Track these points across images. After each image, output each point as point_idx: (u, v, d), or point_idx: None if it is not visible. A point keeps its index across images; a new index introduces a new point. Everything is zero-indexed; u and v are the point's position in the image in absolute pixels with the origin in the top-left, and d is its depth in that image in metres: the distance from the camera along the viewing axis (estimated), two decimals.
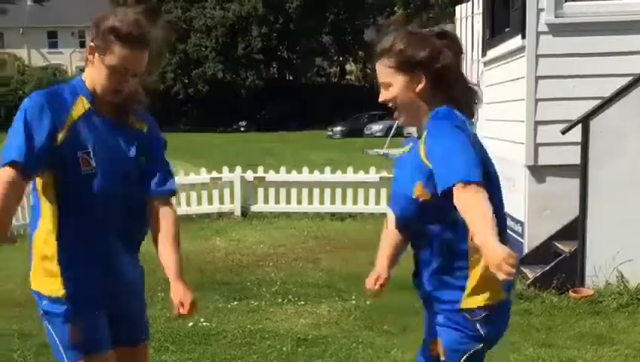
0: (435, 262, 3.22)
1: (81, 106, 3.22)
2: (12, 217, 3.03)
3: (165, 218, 3.35)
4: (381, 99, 3.25)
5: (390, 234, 3.42)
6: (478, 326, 3.19)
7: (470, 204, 2.77)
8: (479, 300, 3.17)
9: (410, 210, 3.18)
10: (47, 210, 3.23)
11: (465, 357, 3.24)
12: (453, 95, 3.17)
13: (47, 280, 3.26)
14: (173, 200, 3.47)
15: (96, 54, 3.21)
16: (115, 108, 3.29)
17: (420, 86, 3.14)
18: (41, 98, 3.17)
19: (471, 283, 3.16)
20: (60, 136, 3.13)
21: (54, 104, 3.16)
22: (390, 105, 3.24)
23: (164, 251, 3.32)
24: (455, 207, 2.83)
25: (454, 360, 3.27)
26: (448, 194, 2.84)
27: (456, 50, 3.20)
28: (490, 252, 2.58)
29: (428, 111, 3.16)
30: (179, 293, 3.26)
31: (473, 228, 2.72)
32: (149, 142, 3.39)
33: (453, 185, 2.81)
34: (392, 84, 3.18)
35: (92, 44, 3.22)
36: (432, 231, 3.17)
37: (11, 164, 3.04)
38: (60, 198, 3.20)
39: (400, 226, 3.35)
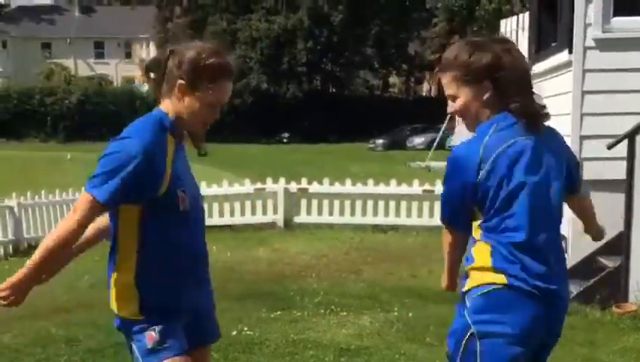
0: None
1: (171, 145, 3.23)
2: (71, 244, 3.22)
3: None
4: (450, 110, 3.33)
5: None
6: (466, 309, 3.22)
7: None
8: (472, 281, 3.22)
9: None
10: (130, 239, 3.25)
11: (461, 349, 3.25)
12: (516, 101, 3.19)
13: (126, 305, 3.30)
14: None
15: (189, 92, 3.20)
16: (190, 138, 3.35)
17: (487, 95, 3.21)
18: (151, 145, 3.13)
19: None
20: (165, 184, 3.17)
21: (159, 149, 3.15)
22: (457, 116, 3.32)
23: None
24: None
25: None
26: None
27: (516, 54, 3.26)
28: None
29: (486, 119, 3.23)
30: None
31: None
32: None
33: None
34: (458, 95, 3.25)
35: (182, 81, 3.18)
36: None
37: (93, 198, 3.09)
38: (149, 233, 3.23)
39: None
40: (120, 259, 3.28)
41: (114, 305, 3.33)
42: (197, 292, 3.41)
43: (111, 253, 3.32)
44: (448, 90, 3.28)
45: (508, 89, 3.19)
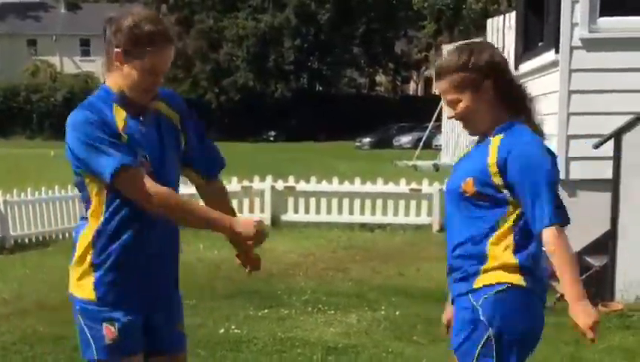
0: None
1: (119, 114, 3.20)
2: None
3: (223, 194, 3.60)
4: (450, 115, 3.35)
5: None
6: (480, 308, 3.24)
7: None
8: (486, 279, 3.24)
9: None
10: (97, 211, 3.25)
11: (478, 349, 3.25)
12: (517, 101, 3.30)
13: (85, 282, 3.29)
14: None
15: (129, 58, 3.17)
16: (144, 106, 3.28)
17: (487, 95, 3.25)
18: (85, 114, 3.16)
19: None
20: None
21: (101, 117, 3.16)
22: (458, 120, 3.34)
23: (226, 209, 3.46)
24: None
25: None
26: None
27: (503, 55, 3.36)
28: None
29: (495, 118, 3.28)
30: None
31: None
32: (186, 130, 3.41)
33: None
34: (461, 99, 3.26)
35: (119, 49, 3.16)
36: None
37: (126, 168, 3.11)
38: (112, 202, 3.21)
39: None
40: (86, 232, 3.28)
41: (71, 276, 3.35)
42: (159, 284, 3.35)
43: (82, 224, 3.33)
44: (449, 96, 3.29)
45: (506, 89, 3.27)
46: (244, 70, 60.33)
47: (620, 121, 7.82)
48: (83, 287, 3.29)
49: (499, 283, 3.20)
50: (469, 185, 3.23)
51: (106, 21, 3.23)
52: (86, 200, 3.29)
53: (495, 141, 3.24)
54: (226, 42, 60.45)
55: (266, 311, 8.10)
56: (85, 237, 3.28)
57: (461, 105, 3.27)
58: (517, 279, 3.20)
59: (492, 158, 3.20)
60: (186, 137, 3.41)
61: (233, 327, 7.32)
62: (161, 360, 3.45)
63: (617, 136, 7.78)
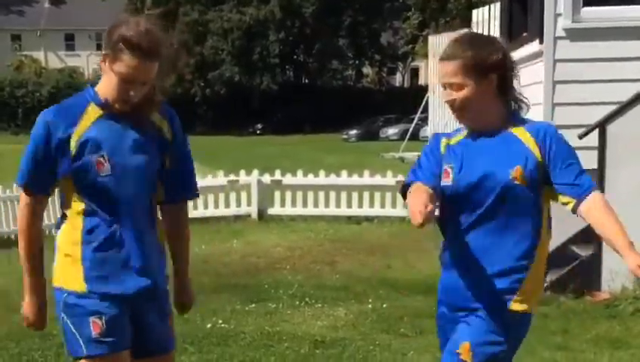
0: None
1: (92, 114, 3.29)
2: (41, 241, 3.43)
3: (182, 221, 3.61)
4: (449, 98, 3.32)
5: None
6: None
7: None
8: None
9: None
10: (70, 211, 3.33)
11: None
12: (514, 96, 3.38)
13: (70, 276, 3.31)
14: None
15: (107, 62, 3.26)
16: (130, 111, 3.33)
17: (492, 87, 3.28)
18: (47, 116, 3.30)
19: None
20: (73, 146, 3.24)
21: (61, 119, 3.27)
22: (455, 105, 3.32)
23: (180, 249, 3.61)
24: None
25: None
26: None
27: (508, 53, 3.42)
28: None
29: (494, 110, 3.32)
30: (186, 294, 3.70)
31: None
32: (172, 143, 3.47)
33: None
34: (465, 85, 3.26)
35: (104, 52, 3.28)
36: None
37: (24, 187, 3.34)
38: (83, 200, 3.30)
39: None
40: (67, 229, 3.35)
41: (55, 275, 3.38)
42: (139, 280, 3.35)
43: (60, 222, 3.40)
44: (453, 79, 3.28)
45: (507, 85, 3.33)
46: (229, 63, 60.20)
47: (605, 111, 7.83)
48: (72, 279, 3.30)
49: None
50: (518, 173, 3.26)
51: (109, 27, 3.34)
52: (61, 195, 3.38)
53: (520, 131, 3.31)
54: (211, 35, 60.29)
55: (253, 305, 8.10)
56: (68, 231, 3.34)
57: (464, 91, 3.27)
58: None
59: (532, 145, 3.29)
60: (170, 160, 3.47)
61: (220, 322, 7.31)
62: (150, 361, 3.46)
63: (602, 126, 7.79)
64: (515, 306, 3.26)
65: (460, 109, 3.32)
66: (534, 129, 3.31)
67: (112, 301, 3.28)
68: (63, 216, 3.37)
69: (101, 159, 3.24)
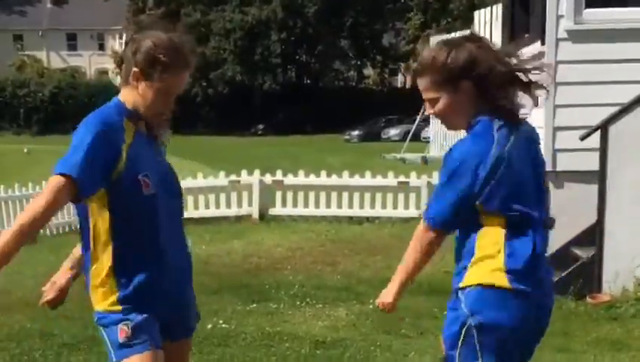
0: None
1: (129, 130, 3.26)
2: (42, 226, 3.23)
3: None
4: (429, 112, 3.34)
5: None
6: (463, 303, 3.23)
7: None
8: (472, 279, 3.23)
9: None
10: (100, 232, 3.27)
11: (460, 343, 3.23)
12: (498, 99, 3.22)
13: (104, 298, 3.30)
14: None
15: (142, 80, 3.25)
16: (147, 125, 3.36)
17: (465, 94, 3.22)
18: (102, 125, 3.19)
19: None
20: (121, 165, 3.19)
21: (113, 131, 3.21)
22: (437, 118, 3.34)
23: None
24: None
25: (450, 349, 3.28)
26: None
27: (487, 46, 3.28)
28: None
29: (474, 115, 3.24)
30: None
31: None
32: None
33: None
34: (439, 98, 3.25)
35: (137, 69, 3.23)
36: None
37: (65, 175, 3.10)
38: (119, 221, 3.25)
39: None
40: (96, 250, 3.28)
41: (93, 299, 3.33)
42: (175, 282, 3.40)
43: (85, 246, 3.32)
44: (427, 94, 3.28)
45: (488, 86, 3.20)
46: (231, 63, 60.22)
47: (607, 112, 7.83)
48: (107, 301, 3.30)
49: None
50: None
51: (128, 39, 3.32)
52: (86, 227, 3.31)
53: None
54: (214, 36, 60.29)
55: (254, 305, 8.09)
56: (99, 267, 3.30)
57: (439, 105, 3.27)
58: None
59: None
60: None
61: (221, 322, 7.30)
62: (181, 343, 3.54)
63: (604, 127, 7.79)
64: None
65: (442, 121, 3.35)
66: None
67: (143, 308, 3.32)
68: (88, 239, 3.30)
69: (146, 178, 3.23)
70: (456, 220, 3.25)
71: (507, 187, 3.15)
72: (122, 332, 3.26)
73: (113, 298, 3.27)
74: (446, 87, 3.22)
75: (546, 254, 3.33)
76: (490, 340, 3.18)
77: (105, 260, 3.26)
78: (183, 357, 3.57)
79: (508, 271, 3.18)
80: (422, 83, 3.28)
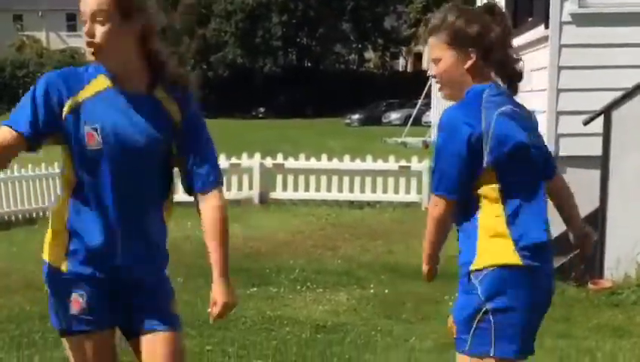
0: None
1: (99, 84, 3.16)
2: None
3: (210, 215, 3.27)
4: (431, 72, 3.42)
5: None
6: (477, 286, 3.20)
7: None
8: (483, 260, 3.21)
9: None
10: (64, 182, 3.23)
11: (473, 327, 3.20)
12: (501, 72, 3.32)
13: (53, 249, 3.24)
14: (221, 191, 3.31)
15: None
16: (144, 81, 3.19)
17: (470, 62, 3.24)
18: (54, 74, 3.21)
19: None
20: (66, 110, 3.10)
21: (66, 80, 3.17)
22: (437, 80, 3.35)
23: (210, 248, 3.29)
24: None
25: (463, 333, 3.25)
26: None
27: (505, 26, 3.31)
28: None
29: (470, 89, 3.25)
30: (216, 292, 3.33)
31: None
32: (182, 128, 3.24)
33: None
34: (442, 57, 3.27)
35: None
36: None
37: (11, 127, 3.08)
38: (75, 172, 3.16)
39: None
40: (58, 201, 3.25)
41: (44, 248, 3.28)
42: (130, 258, 3.19)
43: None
44: (433, 53, 3.32)
45: (491, 59, 3.26)
46: (232, 46, 60.10)
47: (610, 97, 7.78)
48: (55, 255, 3.23)
49: None
50: None
51: None
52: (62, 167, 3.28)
53: None
54: (214, 17, 60.14)
55: (254, 289, 8.07)
56: (58, 206, 3.25)
57: (440, 64, 3.29)
58: None
59: None
60: (181, 146, 3.25)
61: None
62: (150, 339, 3.26)
63: (607, 112, 7.74)
64: None
65: (439, 83, 3.35)
66: None
67: (95, 282, 3.23)
68: (60, 188, 3.31)
69: (92, 131, 3.09)
70: (460, 187, 3.21)
71: (502, 146, 3.16)
72: (76, 303, 3.20)
73: (61, 253, 3.20)
74: (451, 49, 3.25)
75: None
76: (505, 324, 3.16)
77: (62, 210, 3.20)
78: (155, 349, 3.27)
79: (519, 249, 3.19)
80: (433, 40, 3.31)
